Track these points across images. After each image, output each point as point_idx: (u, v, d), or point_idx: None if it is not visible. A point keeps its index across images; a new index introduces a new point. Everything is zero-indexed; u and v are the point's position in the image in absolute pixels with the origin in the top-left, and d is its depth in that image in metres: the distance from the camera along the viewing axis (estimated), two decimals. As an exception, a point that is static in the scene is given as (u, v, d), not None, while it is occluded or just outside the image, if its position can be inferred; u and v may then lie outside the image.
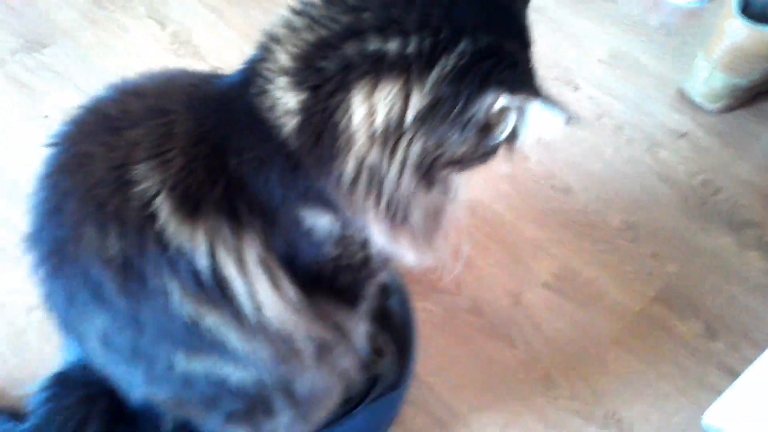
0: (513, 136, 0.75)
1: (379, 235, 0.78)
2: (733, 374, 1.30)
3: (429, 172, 0.74)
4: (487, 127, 0.73)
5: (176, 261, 0.73)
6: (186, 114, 0.77)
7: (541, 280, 1.44)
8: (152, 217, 0.72)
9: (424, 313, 1.33)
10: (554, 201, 1.57)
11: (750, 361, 1.21)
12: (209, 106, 0.78)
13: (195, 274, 0.73)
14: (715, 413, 1.21)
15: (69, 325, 0.84)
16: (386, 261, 0.89)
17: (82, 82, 1.71)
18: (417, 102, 0.69)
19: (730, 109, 1.76)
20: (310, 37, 0.72)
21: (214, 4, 1.93)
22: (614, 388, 1.30)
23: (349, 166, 0.72)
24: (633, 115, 1.74)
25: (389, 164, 0.72)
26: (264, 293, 0.76)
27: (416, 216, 0.77)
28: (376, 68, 0.69)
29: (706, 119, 1.75)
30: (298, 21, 0.73)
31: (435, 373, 1.29)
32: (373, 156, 0.71)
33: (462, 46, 0.69)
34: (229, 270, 0.74)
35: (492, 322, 1.37)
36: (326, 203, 0.76)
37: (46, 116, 1.63)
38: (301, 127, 0.72)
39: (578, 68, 1.83)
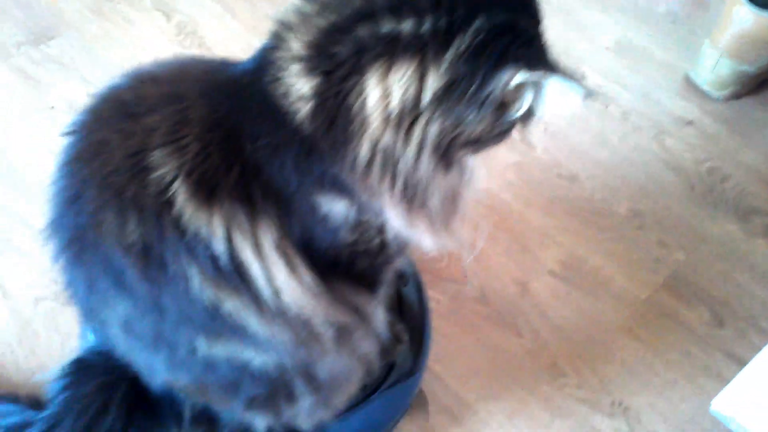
0: (529, 114, 0.75)
1: (395, 219, 0.77)
2: (741, 362, 1.30)
3: (447, 153, 0.74)
4: (503, 105, 0.73)
5: (194, 246, 0.73)
6: (201, 100, 0.77)
7: (548, 268, 1.44)
8: (169, 202, 0.72)
9: (431, 302, 1.33)
10: (561, 189, 1.57)
11: (758, 349, 1.21)
12: (223, 93, 0.77)
13: (213, 259, 0.73)
14: (723, 400, 1.21)
15: (90, 312, 0.84)
16: (403, 246, 0.88)
17: (88, 73, 1.72)
18: (433, 82, 0.69)
19: (736, 96, 1.76)
20: (321, 22, 0.71)
21: (219, -5, 1.94)
22: (621, 376, 1.30)
23: (364, 149, 0.71)
24: (640, 103, 1.74)
25: (406, 146, 0.71)
26: (281, 278, 0.76)
27: (434, 199, 0.77)
28: (390, 50, 0.68)
29: (713, 107, 1.75)
30: (308, 7, 0.73)
31: (442, 361, 1.29)
32: (389, 138, 0.71)
33: (477, 23, 0.69)
34: (246, 255, 0.74)
35: (499, 310, 1.38)
36: (341, 188, 0.76)
37: (52, 108, 1.63)
38: (315, 112, 0.71)
39: (585, 57, 1.82)
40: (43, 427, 0.93)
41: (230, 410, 0.92)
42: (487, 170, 0.82)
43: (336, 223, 0.79)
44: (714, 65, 1.70)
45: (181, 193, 0.72)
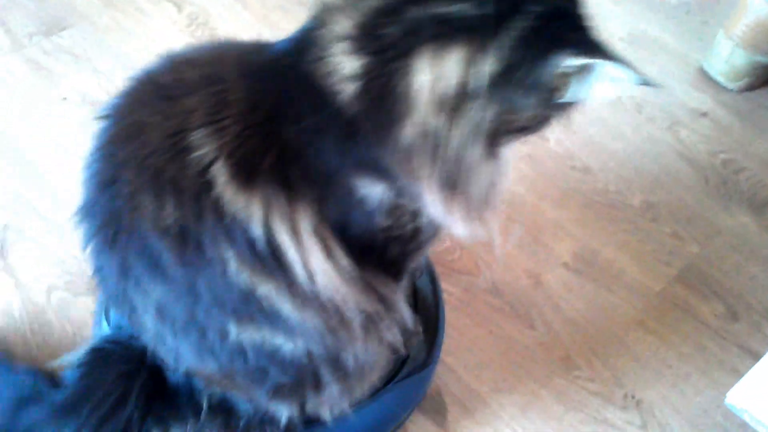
0: (573, 100, 0.74)
1: (433, 205, 0.76)
2: (755, 355, 1.29)
3: (493, 140, 0.72)
4: (553, 91, 0.71)
5: (232, 229, 0.72)
6: (240, 82, 0.76)
7: (561, 260, 1.44)
8: (209, 184, 0.71)
9: (444, 294, 1.33)
10: (574, 181, 1.56)
11: (772, 342, 1.20)
12: (263, 74, 0.77)
13: (250, 243, 0.73)
14: (738, 394, 1.20)
15: (120, 297, 0.82)
16: (435, 233, 0.88)
17: (99, 64, 1.72)
18: (485, 67, 0.68)
19: (751, 87, 1.74)
20: (371, 3, 0.70)
21: (230, -15, 1.93)
22: (634, 369, 1.30)
23: (410, 133, 0.70)
24: (653, 95, 1.73)
25: (453, 131, 0.70)
26: (317, 262, 0.75)
27: (475, 187, 0.75)
28: (443, 32, 0.67)
29: (727, 98, 1.74)
30: None
31: (454, 353, 1.29)
32: (436, 122, 0.70)
33: (530, 7, 0.68)
34: (283, 239, 0.73)
35: (511, 303, 1.37)
36: (381, 172, 0.75)
37: (64, 98, 1.63)
38: (361, 93, 0.70)
39: (598, 47, 1.81)
40: (59, 411, 0.93)
41: (255, 399, 0.91)
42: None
43: (373, 206, 0.78)
44: (728, 56, 1.69)
45: (221, 175, 0.71)
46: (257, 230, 0.72)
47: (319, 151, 0.73)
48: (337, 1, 0.73)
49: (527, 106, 0.71)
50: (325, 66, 0.71)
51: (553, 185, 1.55)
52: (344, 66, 0.70)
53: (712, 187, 1.57)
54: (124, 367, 0.95)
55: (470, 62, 0.68)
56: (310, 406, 0.92)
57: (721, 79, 1.74)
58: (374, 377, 0.98)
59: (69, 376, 0.96)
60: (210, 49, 0.86)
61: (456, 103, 0.69)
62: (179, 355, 0.85)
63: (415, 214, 0.82)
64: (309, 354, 0.83)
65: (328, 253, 0.76)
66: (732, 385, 1.21)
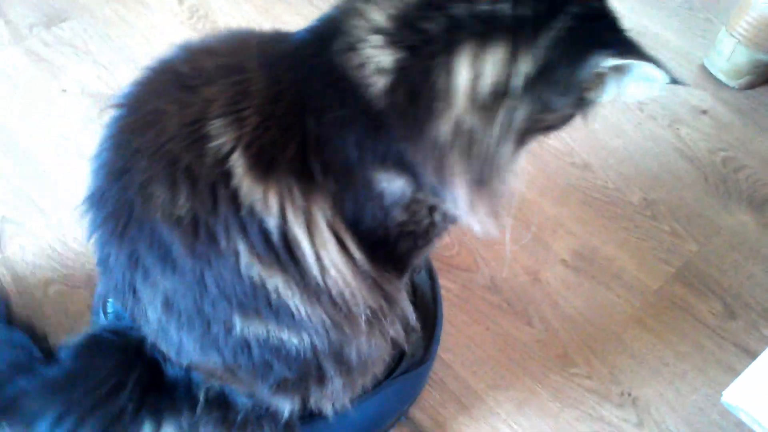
0: (605, 99, 0.74)
1: (459, 201, 0.76)
2: (752, 354, 1.29)
3: (524, 138, 0.73)
4: (587, 90, 0.72)
5: (247, 221, 0.72)
6: (261, 72, 0.75)
7: (560, 257, 1.44)
8: (226, 174, 0.71)
9: (442, 290, 1.33)
10: (573, 178, 1.56)
11: (769, 341, 1.20)
12: (284, 64, 0.76)
13: (264, 235, 0.72)
14: (734, 392, 1.20)
15: (126, 288, 0.81)
16: (445, 229, 0.88)
17: (100, 56, 1.71)
18: (525, 66, 0.68)
19: (752, 86, 1.74)
20: None
21: (231, -22, 1.93)
22: (631, 366, 1.30)
23: (446, 129, 0.70)
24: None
25: (489, 129, 0.70)
26: (330, 256, 0.75)
27: (503, 185, 0.76)
28: (485, 30, 0.67)
29: (728, 96, 1.73)
30: None
31: (452, 349, 1.29)
32: (473, 120, 0.69)
33: (571, 8, 0.68)
34: (298, 232, 0.73)
35: (509, 299, 1.37)
36: (404, 166, 0.74)
37: (64, 90, 1.63)
38: (394, 87, 0.70)
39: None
40: (49, 387, 0.91)
41: (257, 394, 0.91)
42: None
43: (391, 201, 0.78)
44: (731, 53, 1.69)
45: (239, 166, 0.71)
46: (272, 222, 0.72)
47: (341, 143, 0.73)
48: None
49: (561, 105, 0.71)
50: (357, 57, 0.71)
51: (552, 182, 1.55)
52: (378, 59, 0.70)
53: (712, 185, 1.56)
54: (121, 357, 0.94)
55: (510, 61, 0.68)
56: (313, 401, 0.92)
57: (722, 76, 1.74)
58: (377, 370, 0.98)
59: (64, 354, 0.95)
60: (228, 38, 0.85)
61: (493, 101, 0.69)
62: (182, 348, 0.85)
63: (432, 210, 0.82)
64: (314, 348, 0.83)
65: (343, 247, 0.76)
66: (728, 384, 1.21)
